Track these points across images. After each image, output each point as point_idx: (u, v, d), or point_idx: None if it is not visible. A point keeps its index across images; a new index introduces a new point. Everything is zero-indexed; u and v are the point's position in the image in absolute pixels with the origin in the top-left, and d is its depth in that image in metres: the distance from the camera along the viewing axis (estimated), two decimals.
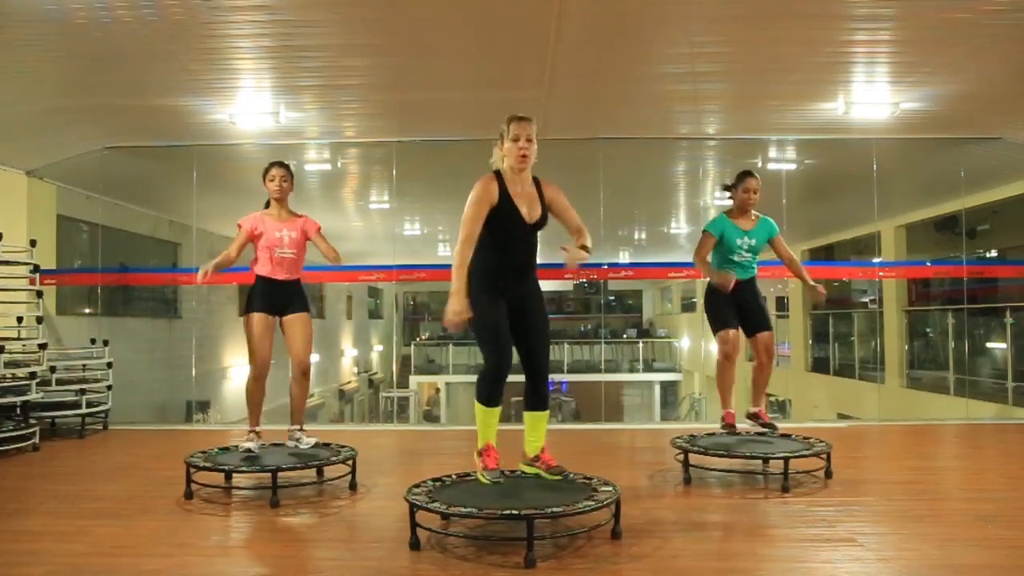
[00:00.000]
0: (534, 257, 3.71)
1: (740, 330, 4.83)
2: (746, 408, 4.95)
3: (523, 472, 3.73)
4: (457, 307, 3.42)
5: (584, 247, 3.65)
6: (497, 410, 3.65)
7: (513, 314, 3.60)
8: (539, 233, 3.68)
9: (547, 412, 3.73)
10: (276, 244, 4.60)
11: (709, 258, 4.87)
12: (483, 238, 3.55)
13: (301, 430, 4.69)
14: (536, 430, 3.71)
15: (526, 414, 3.71)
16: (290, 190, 4.70)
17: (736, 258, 4.82)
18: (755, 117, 7.27)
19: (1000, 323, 10.07)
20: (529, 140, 3.58)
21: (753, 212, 4.88)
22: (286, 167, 4.70)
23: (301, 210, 4.83)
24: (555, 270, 8.68)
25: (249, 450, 4.51)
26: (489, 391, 3.59)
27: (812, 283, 4.91)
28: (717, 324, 4.81)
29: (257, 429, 4.64)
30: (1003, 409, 9.30)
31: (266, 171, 4.69)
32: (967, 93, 6.27)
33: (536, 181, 3.67)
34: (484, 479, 3.56)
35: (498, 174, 3.60)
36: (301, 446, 4.61)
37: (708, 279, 4.85)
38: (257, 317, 4.56)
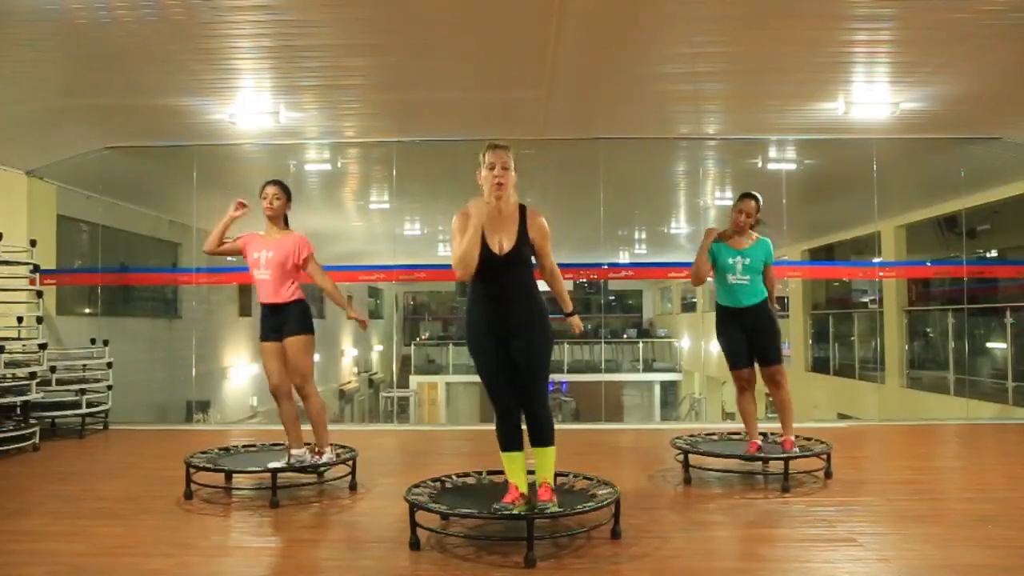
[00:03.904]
0: (523, 288, 3.52)
1: (753, 363, 4.74)
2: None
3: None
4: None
5: (569, 315, 3.74)
6: (513, 455, 3.55)
7: (507, 350, 3.50)
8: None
9: (549, 448, 3.55)
10: (254, 265, 4.46)
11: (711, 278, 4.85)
12: None
13: (319, 453, 4.54)
14: (539, 462, 3.57)
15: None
16: (284, 208, 4.54)
17: (732, 279, 4.69)
18: (755, 117, 7.27)
19: (1000, 323, 10.06)
20: (505, 168, 3.46)
21: (753, 233, 4.79)
22: (279, 185, 4.56)
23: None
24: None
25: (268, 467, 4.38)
26: (498, 434, 3.59)
27: (776, 306, 4.82)
28: (729, 361, 4.77)
29: (292, 451, 4.50)
30: (1003, 409, 9.30)
31: (261, 189, 4.55)
32: (967, 93, 6.27)
33: (523, 211, 3.53)
34: (494, 507, 3.45)
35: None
36: (304, 461, 4.50)
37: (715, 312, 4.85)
38: (262, 347, 4.53)
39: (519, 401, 3.55)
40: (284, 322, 4.45)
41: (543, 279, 3.64)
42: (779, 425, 4.82)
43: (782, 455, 4.46)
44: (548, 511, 3.38)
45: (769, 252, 4.76)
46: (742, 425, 4.92)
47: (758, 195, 4.78)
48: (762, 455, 4.64)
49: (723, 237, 4.76)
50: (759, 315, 4.71)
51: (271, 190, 4.53)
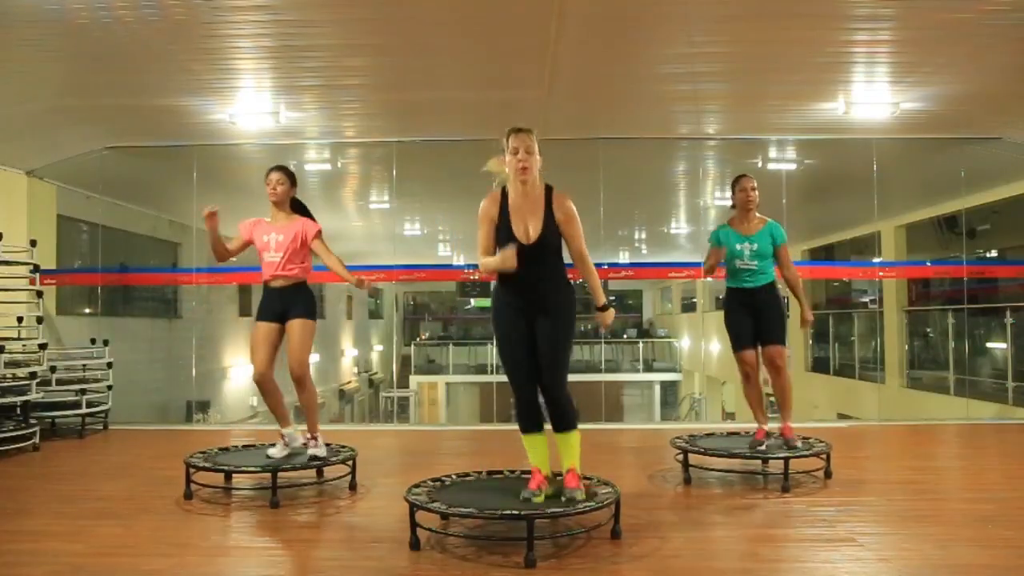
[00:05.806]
0: (550, 272, 3.51)
1: (756, 346, 4.76)
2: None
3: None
4: (500, 261, 3.37)
5: (602, 308, 3.59)
6: (532, 437, 3.59)
7: (531, 331, 3.51)
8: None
9: (570, 433, 3.57)
10: (264, 248, 4.51)
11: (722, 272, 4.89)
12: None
13: (313, 438, 4.53)
14: (561, 448, 3.58)
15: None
16: (288, 193, 4.58)
17: (740, 264, 4.76)
18: (755, 117, 7.27)
19: (1000, 323, 10.06)
20: (529, 152, 3.45)
21: (758, 216, 4.83)
22: (283, 170, 4.59)
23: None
24: None
25: (268, 457, 4.45)
26: (517, 418, 3.62)
27: (807, 309, 4.82)
28: (733, 343, 4.79)
29: (283, 431, 4.54)
30: (1003, 409, 9.30)
31: (266, 176, 4.59)
32: (967, 93, 6.27)
33: (549, 193, 3.51)
34: (522, 495, 3.47)
35: (504, 189, 3.53)
36: (309, 452, 4.50)
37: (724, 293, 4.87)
38: (256, 326, 4.52)
39: (540, 385, 3.55)
40: (291, 305, 4.48)
41: (574, 261, 3.59)
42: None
43: (782, 455, 4.45)
44: (576, 499, 3.39)
45: (778, 233, 4.79)
46: (742, 425, 4.90)
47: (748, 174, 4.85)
48: (761, 453, 4.63)
49: (731, 223, 4.84)
50: (765, 297, 4.77)
51: (275, 176, 4.57)
